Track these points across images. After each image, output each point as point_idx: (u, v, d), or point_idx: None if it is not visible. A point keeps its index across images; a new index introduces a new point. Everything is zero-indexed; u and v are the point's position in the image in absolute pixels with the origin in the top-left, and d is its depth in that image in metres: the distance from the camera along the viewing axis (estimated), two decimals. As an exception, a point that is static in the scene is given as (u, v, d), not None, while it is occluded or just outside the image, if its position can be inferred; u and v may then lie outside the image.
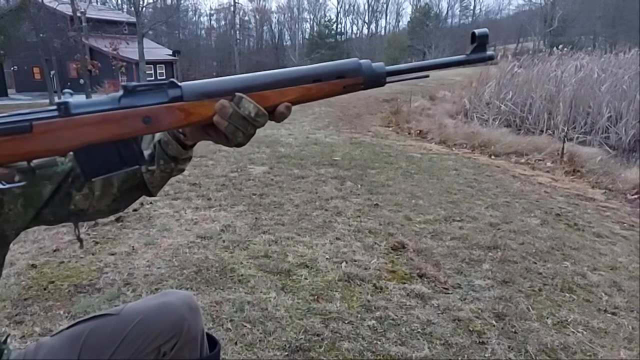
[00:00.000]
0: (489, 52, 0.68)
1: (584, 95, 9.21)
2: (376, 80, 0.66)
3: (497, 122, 9.49)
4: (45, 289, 2.27)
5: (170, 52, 33.69)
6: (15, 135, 0.56)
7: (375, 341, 1.90)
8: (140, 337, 0.86)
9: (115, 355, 0.85)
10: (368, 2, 62.45)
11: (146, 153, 0.74)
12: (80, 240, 0.86)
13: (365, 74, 0.66)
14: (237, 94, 0.61)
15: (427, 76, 0.72)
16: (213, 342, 0.98)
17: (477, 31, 0.66)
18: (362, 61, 0.66)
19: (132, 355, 0.86)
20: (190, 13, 62.48)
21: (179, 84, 0.61)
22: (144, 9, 26.65)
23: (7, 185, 0.59)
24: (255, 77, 0.64)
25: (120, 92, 0.60)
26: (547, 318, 2.13)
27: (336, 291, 2.31)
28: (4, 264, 0.78)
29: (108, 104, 0.59)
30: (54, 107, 0.58)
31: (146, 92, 0.61)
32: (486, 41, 0.67)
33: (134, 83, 0.60)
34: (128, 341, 0.86)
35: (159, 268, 2.52)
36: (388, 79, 0.68)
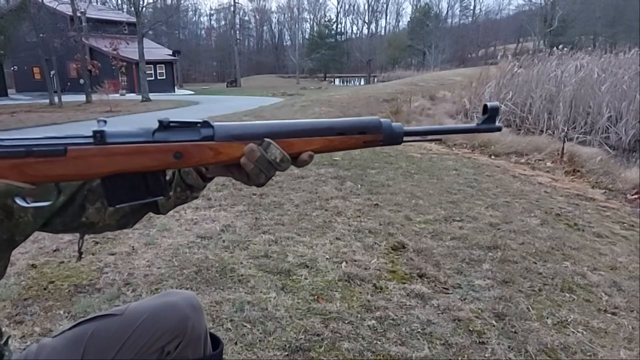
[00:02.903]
0: (498, 124, 0.72)
1: (584, 95, 9.21)
2: (394, 138, 0.70)
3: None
4: (45, 289, 2.27)
5: (170, 52, 33.73)
6: (50, 157, 0.57)
7: (375, 341, 1.90)
8: (145, 337, 0.86)
9: (118, 356, 0.85)
10: (368, 2, 62.54)
11: None
12: (80, 253, 0.86)
13: (385, 132, 0.69)
14: (266, 139, 0.65)
15: (441, 140, 0.78)
16: (216, 342, 0.99)
17: (489, 104, 0.70)
18: (382, 120, 0.70)
19: (136, 355, 0.86)
20: (190, 13, 62.61)
21: (212, 124, 0.64)
22: (144, 9, 26.62)
23: (32, 204, 0.61)
24: (284, 125, 0.67)
25: (155, 126, 0.63)
26: (547, 318, 2.13)
27: (336, 291, 2.31)
28: (8, 265, 0.79)
29: (142, 136, 0.62)
30: (90, 134, 0.60)
31: (180, 128, 0.63)
32: (497, 114, 0.71)
33: (169, 119, 0.63)
34: (132, 341, 0.86)
35: (159, 268, 2.52)
36: (405, 138, 0.72)
